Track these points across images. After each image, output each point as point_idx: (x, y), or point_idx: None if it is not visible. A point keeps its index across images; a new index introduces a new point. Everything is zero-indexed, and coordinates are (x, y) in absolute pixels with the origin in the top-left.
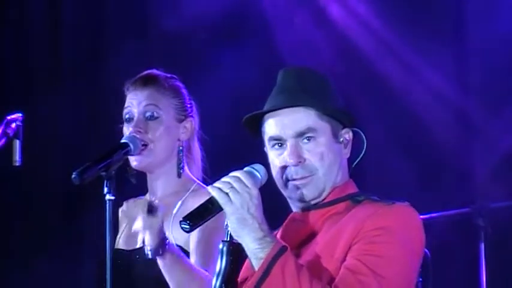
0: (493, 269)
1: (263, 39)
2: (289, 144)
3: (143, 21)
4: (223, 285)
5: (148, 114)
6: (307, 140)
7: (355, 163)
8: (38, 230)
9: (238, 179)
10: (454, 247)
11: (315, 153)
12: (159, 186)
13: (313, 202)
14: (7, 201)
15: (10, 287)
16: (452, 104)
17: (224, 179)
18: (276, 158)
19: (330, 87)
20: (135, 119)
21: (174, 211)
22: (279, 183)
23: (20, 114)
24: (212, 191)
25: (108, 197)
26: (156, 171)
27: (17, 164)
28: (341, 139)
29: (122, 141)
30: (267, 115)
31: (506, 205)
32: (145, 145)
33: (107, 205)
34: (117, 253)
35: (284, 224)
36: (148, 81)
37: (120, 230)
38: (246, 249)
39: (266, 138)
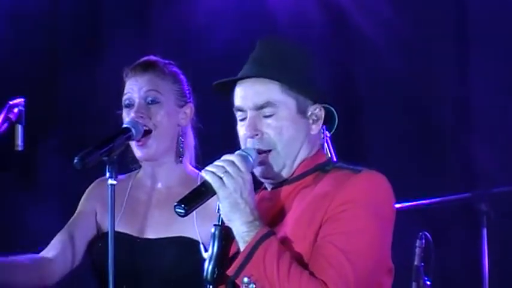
0: (495, 254)
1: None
2: (248, 116)
3: (141, 11)
4: (215, 269)
5: (149, 99)
6: (268, 113)
7: (329, 135)
8: (39, 217)
9: (232, 163)
10: (456, 232)
11: (273, 128)
12: (162, 174)
13: (276, 179)
14: (10, 185)
15: None
16: (453, 88)
17: (217, 162)
18: (240, 128)
19: (308, 61)
20: (136, 104)
21: None
22: None
23: (22, 99)
24: (206, 175)
25: (110, 181)
26: (160, 159)
27: (19, 148)
28: (309, 114)
29: (124, 126)
30: (237, 83)
31: (509, 190)
32: (147, 131)
33: (109, 190)
34: (120, 236)
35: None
36: (148, 67)
37: (120, 212)
38: (235, 232)
39: (234, 109)
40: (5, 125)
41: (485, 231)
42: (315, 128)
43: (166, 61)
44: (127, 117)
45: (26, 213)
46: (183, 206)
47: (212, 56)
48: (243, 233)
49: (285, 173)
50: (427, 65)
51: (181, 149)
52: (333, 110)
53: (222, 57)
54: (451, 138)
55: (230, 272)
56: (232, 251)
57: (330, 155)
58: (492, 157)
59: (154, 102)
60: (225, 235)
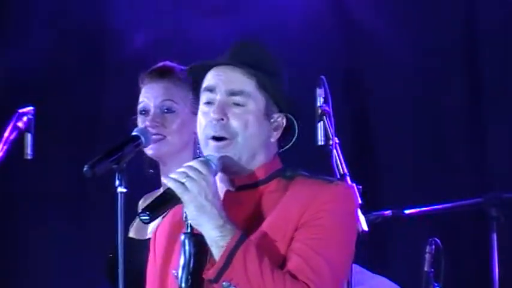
0: (505, 260)
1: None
2: (218, 99)
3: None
4: (188, 276)
5: (164, 108)
6: (237, 103)
7: (285, 147)
8: (48, 225)
9: (193, 168)
10: (466, 238)
11: (240, 118)
12: None
13: (230, 171)
14: (18, 193)
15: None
16: (464, 93)
17: (179, 169)
18: (202, 116)
19: (281, 70)
20: (151, 112)
21: None
22: (201, 142)
23: (32, 108)
24: (168, 182)
25: (119, 189)
26: (171, 162)
27: (29, 157)
28: (272, 119)
29: (133, 133)
30: (214, 68)
31: None
32: (161, 135)
33: (119, 198)
34: (127, 241)
35: None
36: (164, 74)
37: (134, 221)
38: (206, 237)
39: (201, 91)
40: (15, 133)
41: (495, 236)
42: (275, 135)
43: (183, 67)
44: (141, 124)
45: (35, 222)
46: (147, 213)
47: None
48: (216, 238)
49: (238, 168)
50: (437, 69)
51: (198, 156)
52: (295, 123)
53: None
54: (461, 144)
55: (209, 276)
56: (204, 257)
57: (339, 163)
58: (502, 162)
59: (169, 111)
60: (195, 242)
